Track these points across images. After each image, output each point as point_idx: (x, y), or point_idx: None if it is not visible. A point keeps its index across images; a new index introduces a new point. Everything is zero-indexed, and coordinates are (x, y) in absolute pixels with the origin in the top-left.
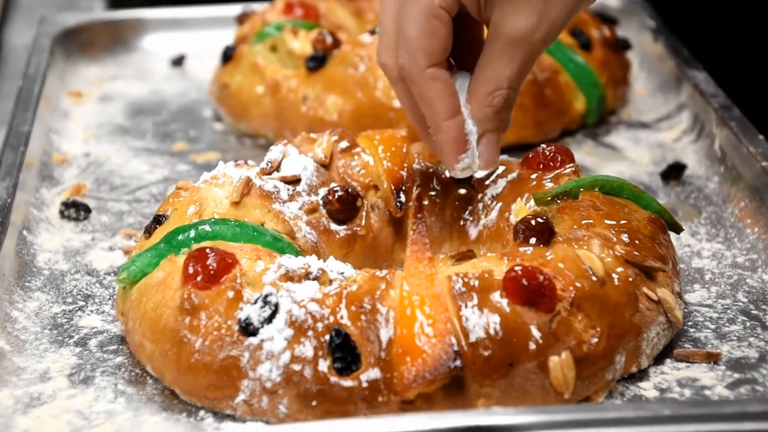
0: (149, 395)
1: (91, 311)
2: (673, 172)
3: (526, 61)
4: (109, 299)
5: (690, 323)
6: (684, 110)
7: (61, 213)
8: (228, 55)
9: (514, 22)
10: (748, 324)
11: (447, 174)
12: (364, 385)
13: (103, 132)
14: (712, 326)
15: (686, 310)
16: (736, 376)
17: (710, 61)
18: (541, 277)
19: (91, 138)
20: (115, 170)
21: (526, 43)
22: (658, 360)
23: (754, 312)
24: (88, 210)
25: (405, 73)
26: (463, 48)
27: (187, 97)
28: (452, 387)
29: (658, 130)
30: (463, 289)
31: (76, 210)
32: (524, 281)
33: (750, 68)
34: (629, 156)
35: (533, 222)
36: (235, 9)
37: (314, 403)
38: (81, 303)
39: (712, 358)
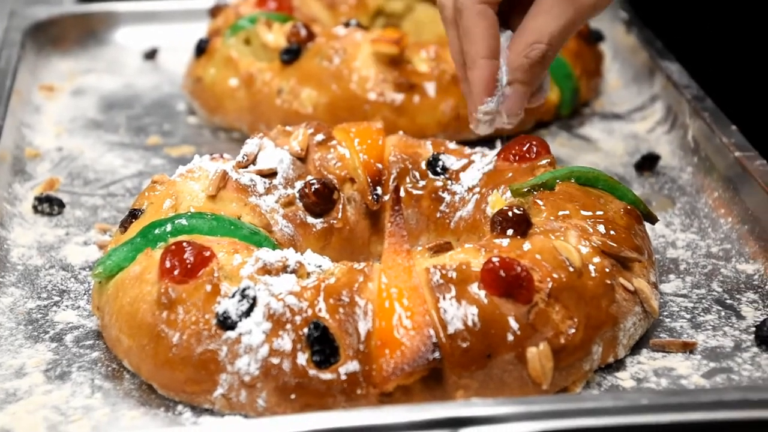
0: (126, 390)
1: (67, 306)
2: (647, 163)
3: (572, 21)
4: (85, 294)
5: (665, 313)
6: (657, 101)
7: (35, 208)
8: (201, 48)
9: None
10: (723, 313)
11: (422, 164)
12: (343, 377)
13: (76, 126)
14: (688, 316)
15: (662, 300)
16: (712, 365)
17: (682, 52)
18: (519, 269)
19: (63, 132)
20: (89, 165)
21: (575, 3)
22: (635, 350)
23: (728, 301)
24: (61, 205)
25: (458, 5)
26: (516, 11)
27: (161, 91)
28: (431, 379)
29: (631, 121)
30: (441, 281)
31: (49, 205)
32: (502, 273)
33: (722, 60)
34: (603, 147)
35: (510, 213)
36: (208, 2)
37: (293, 396)
38: (56, 298)
39: (688, 348)
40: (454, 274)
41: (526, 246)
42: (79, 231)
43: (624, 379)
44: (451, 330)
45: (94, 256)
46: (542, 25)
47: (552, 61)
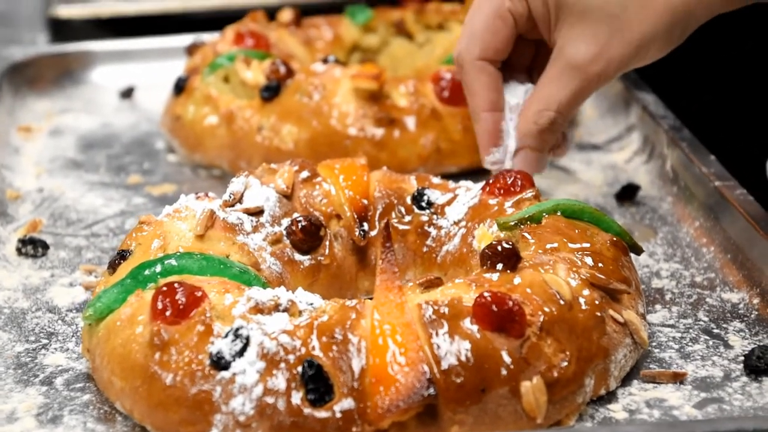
0: None
1: (56, 349)
2: (628, 193)
3: (579, 90)
4: (73, 336)
5: (654, 344)
6: (634, 131)
7: (18, 250)
8: (180, 87)
9: (576, 48)
10: (711, 343)
11: (407, 199)
12: (338, 415)
13: (56, 166)
14: (676, 346)
15: (649, 331)
16: (703, 395)
17: (656, 83)
18: (511, 303)
19: (43, 173)
20: (71, 205)
21: (582, 72)
22: (625, 381)
23: (715, 331)
24: (45, 246)
25: (460, 60)
26: (539, 66)
27: (139, 129)
28: (425, 415)
29: (609, 152)
30: (434, 317)
31: (33, 247)
32: (494, 307)
33: (696, 90)
34: (582, 178)
35: (499, 248)
36: (183, 40)
37: None
38: (44, 341)
39: (678, 378)
40: (446, 310)
41: (517, 280)
42: (64, 272)
43: (616, 411)
44: (444, 365)
45: (81, 298)
46: (550, 94)
47: (562, 127)
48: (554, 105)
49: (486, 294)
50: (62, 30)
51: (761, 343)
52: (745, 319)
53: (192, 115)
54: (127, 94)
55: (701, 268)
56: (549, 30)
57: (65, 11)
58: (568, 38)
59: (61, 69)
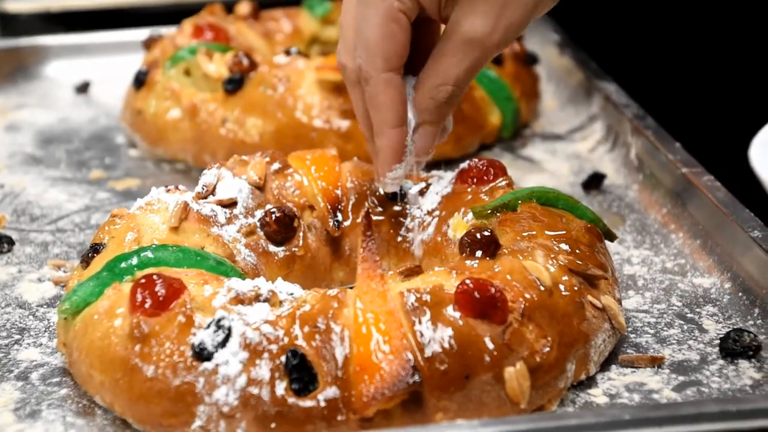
0: (100, 426)
1: (29, 344)
2: (594, 182)
3: (477, 62)
4: (46, 331)
5: (630, 329)
6: (596, 121)
7: None
8: (140, 81)
9: (472, 22)
10: (686, 327)
11: (379, 189)
12: (323, 404)
13: (15, 162)
14: (652, 331)
15: (625, 316)
16: (681, 378)
17: (617, 72)
18: (493, 290)
19: (3, 169)
20: (33, 201)
21: (481, 45)
22: (604, 366)
23: (689, 315)
24: (11, 242)
25: (361, 74)
26: (418, 52)
27: (98, 124)
28: (410, 402)
29: (572, 141)
30: (416, 305)
31: None
32: (476, 294)
33: (656, 78)
34: (548, 168)
35: (479, 235)
36: (137, 34)
37: (273, 425)
38: (16, 336)
39: (656, 362)
40: (429, 297)
41: (497, 267)
42: (31, 268)
43: (597, 395)
44: (428, 353)
45: (51, 293)
46: (447, 69)
47: (458, 100)
48: (452, 80)
49: (468, 281)
50: (10, 24)
51: (735, 327)
52: (718, 303)
53: (154, 109)
54: (83, 88)
55: (671, 254)
56: (439, 10)
57: (13, 5)
58: (461, 14)
59: (14, 64)
